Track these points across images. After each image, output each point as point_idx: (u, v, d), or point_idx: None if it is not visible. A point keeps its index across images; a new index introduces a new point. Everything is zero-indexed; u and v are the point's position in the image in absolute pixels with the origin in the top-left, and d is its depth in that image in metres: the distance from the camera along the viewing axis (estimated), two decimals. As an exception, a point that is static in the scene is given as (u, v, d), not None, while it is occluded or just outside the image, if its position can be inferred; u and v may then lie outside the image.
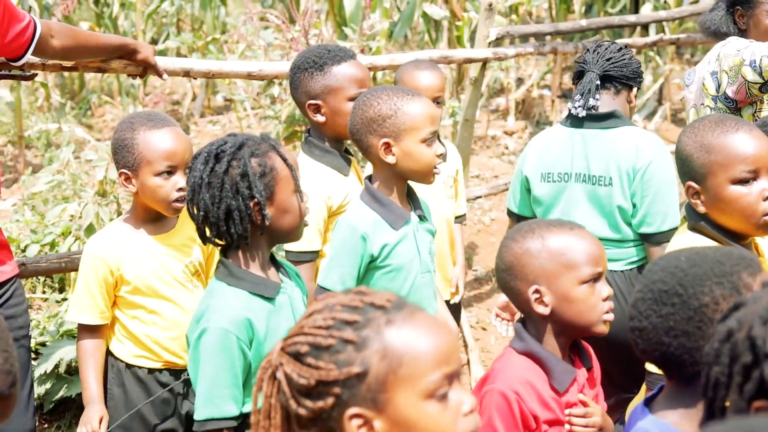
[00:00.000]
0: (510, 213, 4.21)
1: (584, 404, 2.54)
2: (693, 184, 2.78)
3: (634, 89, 3.97)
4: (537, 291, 2.48)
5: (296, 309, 2.80)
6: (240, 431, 2.68)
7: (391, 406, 1.63)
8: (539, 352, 2.50)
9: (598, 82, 3.87)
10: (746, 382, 1.50)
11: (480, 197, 6.87)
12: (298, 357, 1.67)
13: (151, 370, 3.30)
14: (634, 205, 3.79)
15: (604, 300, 2.50)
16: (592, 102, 3.84)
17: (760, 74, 4.02)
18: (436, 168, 3.16)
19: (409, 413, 1.64)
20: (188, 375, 2.74)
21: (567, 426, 2.52)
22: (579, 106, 3.86)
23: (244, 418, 2.67)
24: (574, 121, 3.93)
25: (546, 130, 4.14)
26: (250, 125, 8.53)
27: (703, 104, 4.35)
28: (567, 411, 2.52)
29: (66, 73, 8.80)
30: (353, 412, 1.63)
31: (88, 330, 3.31)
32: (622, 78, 3.90)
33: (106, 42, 3.77)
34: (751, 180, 2.72)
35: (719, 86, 4.23)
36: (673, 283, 2.00)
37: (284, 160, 2.70)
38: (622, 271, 3.81)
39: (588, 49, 4.00)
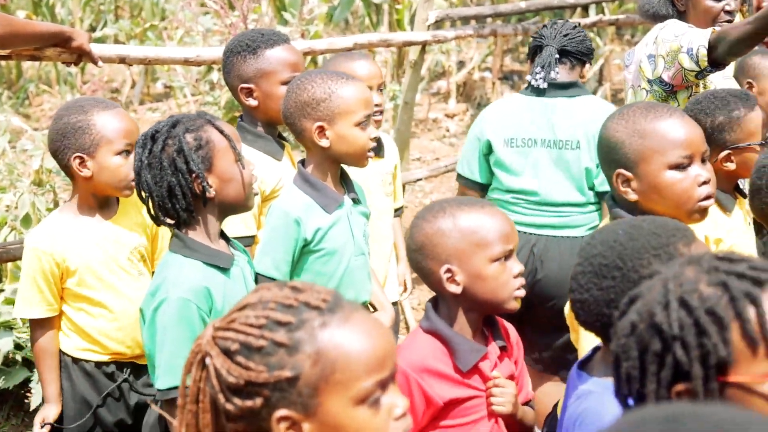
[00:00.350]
0: (461, 178, 4.33)
1: (493, 378, 2.56)
2: (624, 171, 2.71)
3: (587, 65, 4.22)
4: (449, 270, 2.48)
5: (248, 282, 2.82)
6: None
7: (322, 410, 1.61)
8: (443, 330, 2.51)
9: (557, 56, 4.11)
10: (661, 369, 1.52)
11: (420, 180, 6.88)
12: (228, 353, 1.63)
13: (98, 364, 3.28)
14: (597, 166, 3.93)
15: (516, 277, 2.52)
16: (552, 75, 4.08)
17: (697, 63, 4.05)
18: (370, 151, 3.17)
19: (340, 419, 1.62)
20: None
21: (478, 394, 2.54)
22: (540, 78, 4.09)
23: None
24: (534, 91, 4.15)
25: (502, 98, 4.42)
26: (190, 112, 8.45)
27: (639, 86, 4.37)
28: (474, 376, 2.53)
29: (3, 62, 8.67)
30: (282, 414, 1.60)
31: (39, 325, 3.29)
32: (578, 54, 4.16)
33: (41, 30, 3.72)
34: (686, 166, 2.70)
35: (655, 70, 4.26)
36: (612, 257, 2.06)
37: (221, 131, 2.71)
38: (583, 237, 3.86)
39: (545, 25, 4.23)
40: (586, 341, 2.59)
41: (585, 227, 4.01)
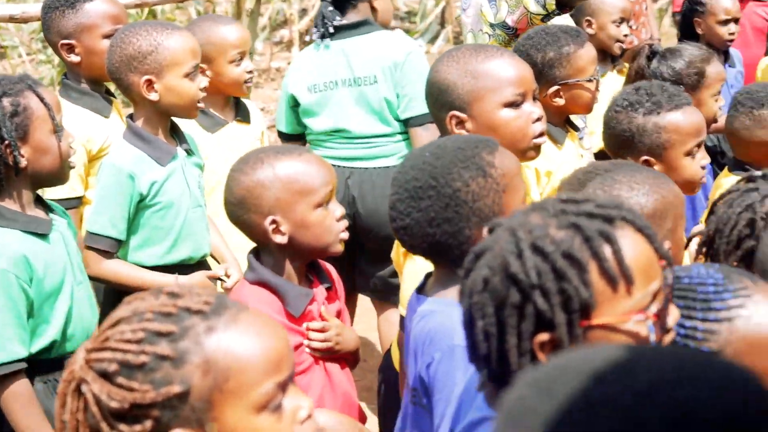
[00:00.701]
0: (280, 133, 4.45)
1: (323, 319, 2.59)
2: (458, 113, 2.70)
3: None
4: (273, 221, 2.48)
5: (69, 246, 2.76)
6: (29, 375, 2.64)
7: (219, 423, 1.47)
8: (271, 279, 2.52)
9: (331, 8, 4.17)
10: (522, 321, 1.47)
11: (263, 131, 6.81)
12: (106, 376, 1.45)
13: None
14: (398, 96, 4.08)
15: (338, 220, 2.55)
16: (336, 22, 4.17)
17: (544, 6, 4.06)
18: (200, 102, 3.13)
19: (240, 430, 1.48)
20: None
21: (305, 341, 2.56)
22: (319, 32, 4.21)
23: (33, 364, 2.64)
24: (329, 36, 4.22)
25: (303, 51, 4.50)
26: (25, 72, 8.18)
27: (481, 30, 4.38)
28: (304, 324, 2.56)
29: None
30: None
31: None
32: None
33: None
34: (519, 103, 2.73)
35: (498, 14, 4.28)
36: (425, 178, 2.13)
37: (41, 99, 2.62)
38: (394, 166, 3.90)
39: None
40: (409, 271, 2.65)
41: (395, 156, 4.11)
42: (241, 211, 2.51)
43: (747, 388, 0.92)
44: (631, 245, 1.49)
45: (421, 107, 3.94)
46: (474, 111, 2.68)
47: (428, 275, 2.26)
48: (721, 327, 1.64)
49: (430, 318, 2.12)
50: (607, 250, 1.47)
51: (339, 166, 4.12)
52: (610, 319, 1.47)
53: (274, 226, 2.48)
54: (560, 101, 3.49)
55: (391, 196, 2.20)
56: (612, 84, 4.57)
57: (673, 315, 1.54)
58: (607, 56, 5.04)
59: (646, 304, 1.49)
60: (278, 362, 1.51)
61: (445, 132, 2.74)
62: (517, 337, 1.47)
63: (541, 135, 2.75)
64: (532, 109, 2.73)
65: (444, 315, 2.07)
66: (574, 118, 3.68)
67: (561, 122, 3.57)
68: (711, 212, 2.35)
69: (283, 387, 1.52)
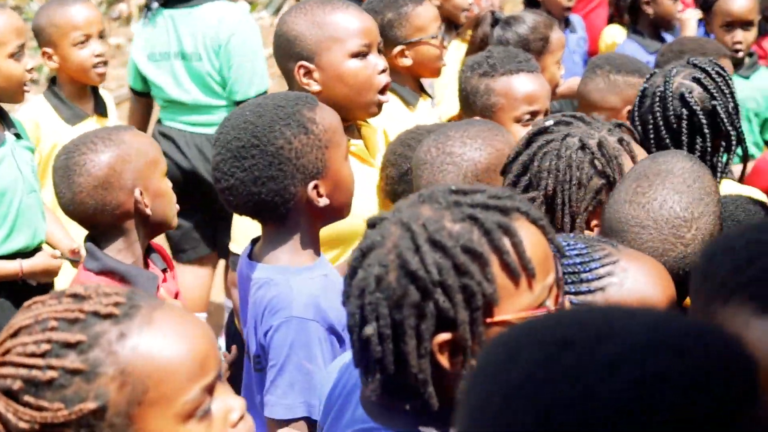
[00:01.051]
0: (132, 90, 4.58)
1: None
2: (306, 63, 2.73)
3: None
4: (141, 194, 2.44)
5: (19, 160, 2.87)
6: None
7: None
8: (118, 267, 2.45)
9: None
10: (421, 321, 1.39)
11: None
12: (11, 395, 1.30)
13: None
14: (224, 78, 4.19)
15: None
16: None
17: None
18: (26, 84, 3.00)
19: None
20: None
21: None
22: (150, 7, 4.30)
23: None
24: (165, 3, 4.28)
25: (142, 19, 4.52)
26: None
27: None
28: None
29: None
30: None
31: None
32: None
33: None
34: (365, 54, 2.76)
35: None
36: (247, 137, 2.12)
37: None
38: None
39: None
40: (237, 230, 2.69)
41: None
42: (104, 192, 2.42)
43: (729, 357, 0.86)
44: (529, 238, 1.43)
45: (245, 90, 4.13)
46: (321, 61, 2.72)
47: (255, 240, 2.27)
48: (595, 297, 1.64)
49: (269, 287, 2.12)
50: (507, 243, 1.40)
51: (182, 131, 4.29)
52: (512, 315, 1.40)
53: (141, 198, 2.44)
54: (407, 61, 3.54)
55: (214, 157, 2.18)
56: (456, 52, 4.58)
57: (566, 307, 1.50)
58: (451, 25, 5.05)
59: (543, 298, 1.43)
60: (202, 363, 1.36)
61: (293, 84, 2.76)
62: (417, 339, 1.39)
63: (385, 88, 2.78)
64: (378, 60, 2.77)
65: (283, 285, 2.10)
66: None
67: (414, 85, 3.62)
68: (520, 174, 2.32)
69: (210, 390, 1.38)
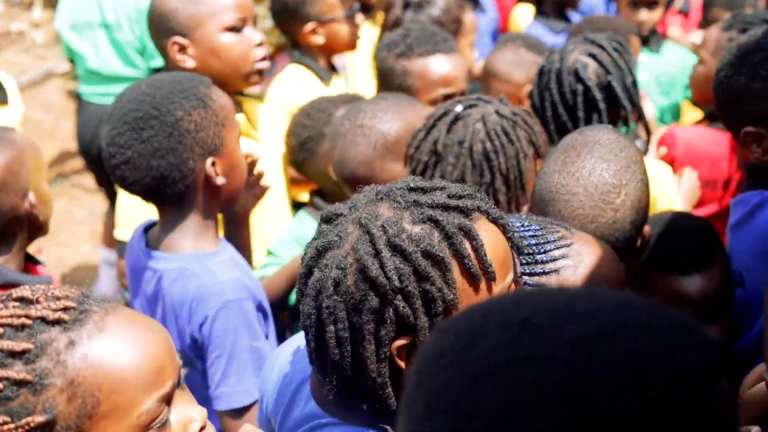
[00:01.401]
0: (71, 61, 4.69)
1: None
2: (180, 39, 2.72)
3: None
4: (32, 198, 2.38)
5: None
6: None
7: None
8: (15, 277, 2.32)
9: None
10: (380, 327, 1.37)
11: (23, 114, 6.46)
12: None
13: None
14: (144, 47, 4.27)
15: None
16: None
17: None
18: None
19: None
20: None
21: None
22: None
23: None
24: None
25: None
26: None
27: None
28: None
29: None
30: None
31: None
32: None
33: None
34: (240, 28, 2.76)
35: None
36: (146, 108, 2.09)
37: None
38: None
39: None
40: (122, 216, 2.68)
41: None
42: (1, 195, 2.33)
43: (695, 335, 0.86)
44: (490, 239, 1.41)
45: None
46: (196, 36, 2.71)
47: (147, 227, 2.24)
48: (550, 279, 1.64)
49: (187, 278, 2.08)
50: (468, 247, 1.39)
51: (98, 104, 4.34)
52: None
53: (34, 202, 2.37)
54: (319, 39, 3.53)
55: (108, 132, 2.12)
56: (368, 35, 4.56)
57: None
58: (362, 7, 5.02)
59: None
60: (159, 372, 1.29)
61: (168, 60, 2.76)
62: (375, 344, 1.38)
63: (264, 59, 2.78)
64: (253, 34, 2.77)
65: (204, 273, 2.07)
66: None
67: (327, 63, 3.61)
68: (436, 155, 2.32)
69: (167, 400, 1.31)
